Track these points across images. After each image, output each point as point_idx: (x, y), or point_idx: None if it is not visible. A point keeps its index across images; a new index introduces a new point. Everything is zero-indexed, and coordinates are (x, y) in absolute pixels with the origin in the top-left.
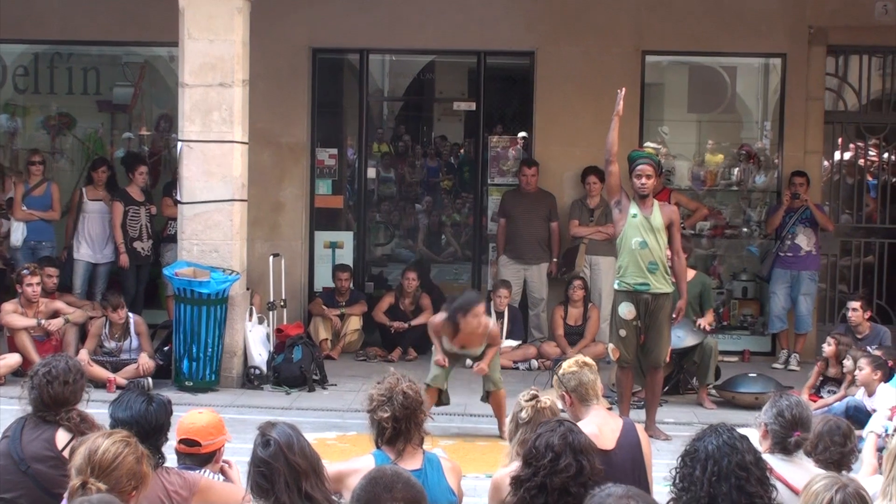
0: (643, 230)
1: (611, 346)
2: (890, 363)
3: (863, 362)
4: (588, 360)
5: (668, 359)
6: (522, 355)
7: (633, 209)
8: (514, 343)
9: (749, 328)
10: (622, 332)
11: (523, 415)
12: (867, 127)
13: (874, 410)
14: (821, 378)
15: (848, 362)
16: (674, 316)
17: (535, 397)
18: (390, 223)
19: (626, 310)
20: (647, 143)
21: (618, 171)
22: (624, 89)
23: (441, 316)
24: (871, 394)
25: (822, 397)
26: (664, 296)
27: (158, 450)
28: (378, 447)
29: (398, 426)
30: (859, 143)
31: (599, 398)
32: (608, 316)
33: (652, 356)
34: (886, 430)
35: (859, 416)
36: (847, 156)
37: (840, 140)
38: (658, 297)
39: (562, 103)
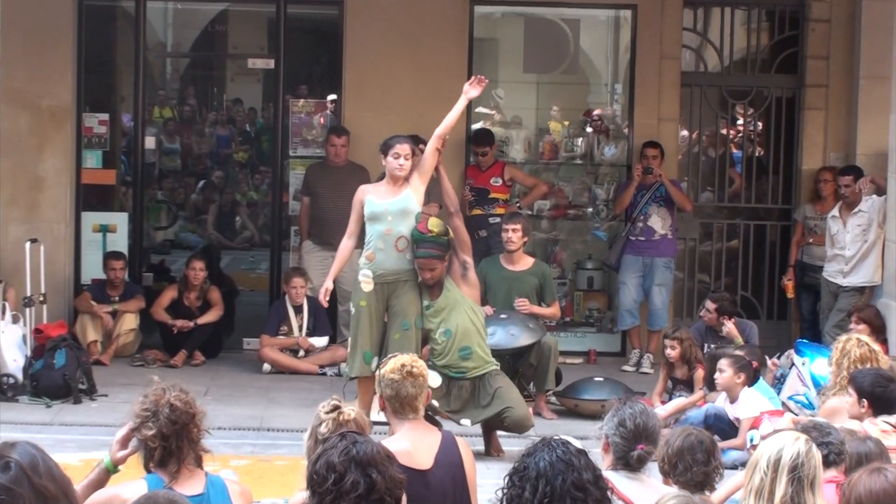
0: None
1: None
2: (754, 364)
3: (723, 363)
4: (417, 366)
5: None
6: (330, 358)
7: None
8: (320, 342)
9: (595, 324)
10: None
11: (323, 429)
12: (730, 91)
13: (737, 419)
14: (670, 382)
15: (671, 351)
16: None
17: (336, 408)
18: (174, 203)
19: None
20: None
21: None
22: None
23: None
24: (733, 400)
25: None
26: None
27: None
28: (149, 471)
29: (167, 445)
30: (722, 110)
31: (419, 413)
32: None
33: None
34: (752, 441)
35: (721, 426)
36: (708, 124)
37: (700, 106)
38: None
39: (376, 62)
